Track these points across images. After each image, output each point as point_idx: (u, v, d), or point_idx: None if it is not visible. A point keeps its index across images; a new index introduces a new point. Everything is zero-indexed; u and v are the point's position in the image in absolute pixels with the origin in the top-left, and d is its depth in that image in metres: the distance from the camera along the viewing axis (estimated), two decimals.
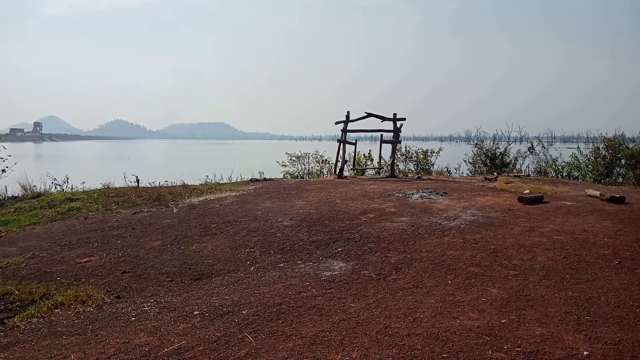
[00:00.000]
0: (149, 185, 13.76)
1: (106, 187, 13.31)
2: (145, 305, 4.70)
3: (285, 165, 18.20)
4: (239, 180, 15.41)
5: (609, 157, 15.07)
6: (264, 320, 4.04)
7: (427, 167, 18.09)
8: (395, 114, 15.31)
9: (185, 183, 13.90)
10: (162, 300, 4.86)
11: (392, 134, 15.43)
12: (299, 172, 18.01)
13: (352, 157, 16.97)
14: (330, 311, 4.20)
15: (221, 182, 14.83)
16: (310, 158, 18.17)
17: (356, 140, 16.34)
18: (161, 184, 14.11)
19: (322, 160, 18.18)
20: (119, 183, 14.41)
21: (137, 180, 14.69)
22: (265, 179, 14.79)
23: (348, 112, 15.30)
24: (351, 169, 16.85)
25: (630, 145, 14.77)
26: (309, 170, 18.12)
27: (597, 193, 9.13)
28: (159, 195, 11.04)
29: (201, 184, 13.67)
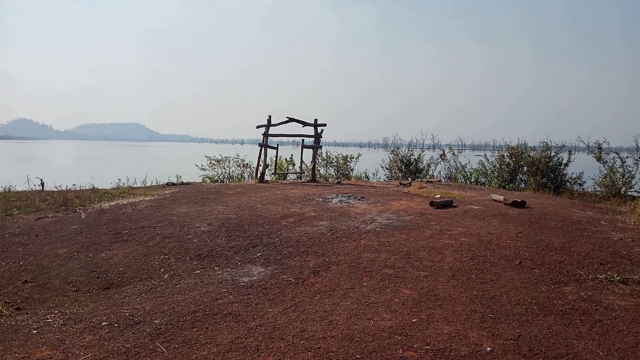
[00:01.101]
0: (55, 189, 12.85)
1: (7, 190, 12.25)
2: (48, 316, 4.38)
3: (205, 169, 17.78)
4: (154, 184, 14.82)
5: (512, 164, 16.29)
6: (177, 329, 3.92)
7: (347, 172, 18.50)
8: (316, 120, 15.53)
9: (95, 187, 13.14)
10: (67, 311, 4.56)
11: (313, 139, 15.63)
12: (219, 176, 17.67)
13: (274, 162, 16.96)
14: (247, 317, 4.16)
15: (135, 186, 14.16)
16: (231, 162, 17.89)
17: (278, 145, 16.36)
18: (69, 187, 13.23)
19: (244, 165, 17.97)
20: (21, 186, 13.34)
21: (42, 184, 13.65)
22: (182, 183, 14.35)
23: (269, 117, 15.29)
24: (273, 173, 16.82)
25: (532, 154, 16.09)
26: (229, 174, 17.82)
27: (501, 198, 9.83)
28: (65, 200, 10.33)
29: (113, 188, 12.97)
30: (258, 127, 15.51)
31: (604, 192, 13.92)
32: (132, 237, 7.27)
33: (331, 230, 7.25)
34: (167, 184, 14.11)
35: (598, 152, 14.71)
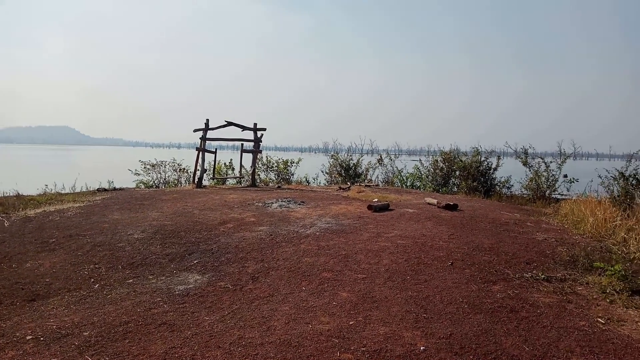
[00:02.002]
0: None
1: None
2: None
3: (139, 174, 17.13)
4: (84, 190, 14.10)
5: (445, 168, 16.95)
6: (108, 340, 3.74)
7: (288, 177, 18.51)
8: (255, 124, 15.42)
9: (20, 193, 12.29)
10: None
11: (252, 143, 15.50)
12: (154, 182, 17.10)
13: (212, 166, 16.65)
14: (183, 326, 4.04)
15: (63, 192, 13.40)
16: (167, 166, 17.39)
17: (216, 149, 16.09)
18: None
19: (180, 169, 17.52)
20: None
21: None
22: (115, 189, 13.76)
23: (207, 120, 14.99)
24: (211, 178, 16.51)
25: (463, 159, 16.81)
26: (165, 179, 17.30)
27: (435, 201, 10.20)
28: None
29: (39, 195, 12.18)
30: (195, 130, 15.18)
31: (530, 195, 14.79)
32: (60, 246, 6.86)
33: (271, 235, 7.21)
34: (98, 189, 13.47)
35: (524, 157, 15.61)
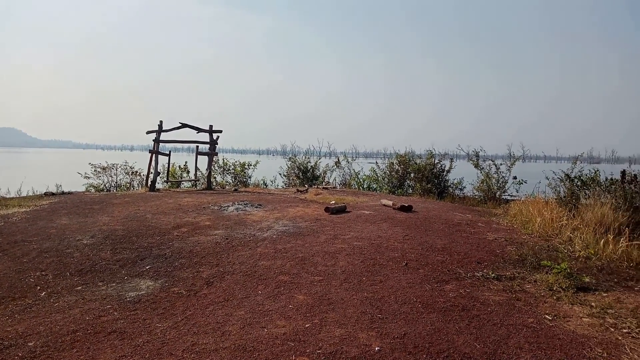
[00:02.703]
0: None
1: None
2: None
3: (89, 177, 16.50)
4: (30, 194, 13.46)
5: (401, 171, 17.26)
6: (55, 350, 3.59)
7: (245, 180, 18.32)
8: (211, 126, 15.21)
9: None
10: None
11: (208, 145, 15.26)
12: (105, 185, 16.52)
13: (166, 169, 16.26)
14: (134, 334, 3.92)
15: (8, 196, 12.76)
16: (119, 169, 16.83)
17: (170, 152, 15.72)
18: None
19: (133, 172, 17.00)
20: None
21: None
22: (63, 193, 13.21)
23: (161, 122, 14.65)
24: (165, 181, 16.11)
25: (418, 161, 17.17)
26: (117, 182, 16.75)
27: (390, 203, 10.36)
28: None
29: None
30: (148, 132, 14.79)
31: (481, 196, 15.27)
32: (4, 252, 6.52)
33: (226, 239, 7.12)
34: (45, 193, 12.88)
35: (476, 159, 16.11)
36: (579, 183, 11.03)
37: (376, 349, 3.57)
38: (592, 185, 10.59)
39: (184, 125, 14.70)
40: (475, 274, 5.56)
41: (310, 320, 4.13)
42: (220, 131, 15.33)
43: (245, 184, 17.94)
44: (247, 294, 4.92)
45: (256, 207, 9.95)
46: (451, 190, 16.34)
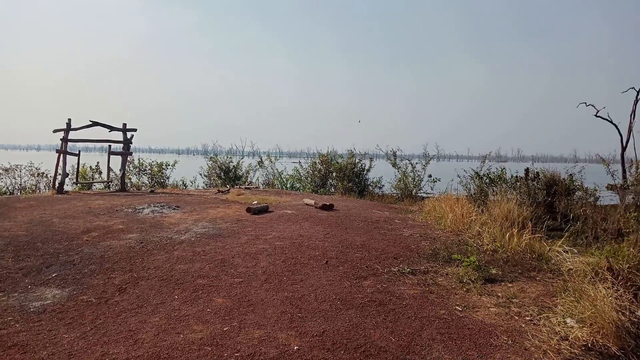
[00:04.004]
0: None
1: None
2: None
3: None
4: None
5: (323, 170, 17.49)
6: None
7: (163, 181, 17.63)
8: (125, 124, 14.46)
9: None
10: None
11: (122, 144, 14.50)
12: (7, 188, 15.18)
13: (76, 170, 15.23)
14: (38, 347, 3.63)
15: None
16: (23, 171, 15.54)
17: (79, 151, 14.74)
18: None
19: (39, 174, 15.76)
20: None
21: None
22: None
23: (69, 120, 13.66)
24: (74, 183, 15.08)
25: (339, 160, 17.49)
26: (21, 184, 15.45)
27: (313, 202, 10.45)
28: None
29: None
30: (55, 131, 13.76)
31: (399, 194, 15.89)
32: None
33: (141, 242, 6.80)
34: None
35: (393, 158, 16.71)
36: (487, 180, 11.79)
37: (295, 348, 3.57)
38: (499, 182, 11.38)
39: (95, 124, 13.84)
40: (392, 269, 5.74)
41: (229, 323, 4.04)
42: (135, 129, 14.62)
43: (163, 185, 17.28)
44: (162, 299, 4.72)
45: (174, 208, 9.60)
46: (371, 189, 16.83)
